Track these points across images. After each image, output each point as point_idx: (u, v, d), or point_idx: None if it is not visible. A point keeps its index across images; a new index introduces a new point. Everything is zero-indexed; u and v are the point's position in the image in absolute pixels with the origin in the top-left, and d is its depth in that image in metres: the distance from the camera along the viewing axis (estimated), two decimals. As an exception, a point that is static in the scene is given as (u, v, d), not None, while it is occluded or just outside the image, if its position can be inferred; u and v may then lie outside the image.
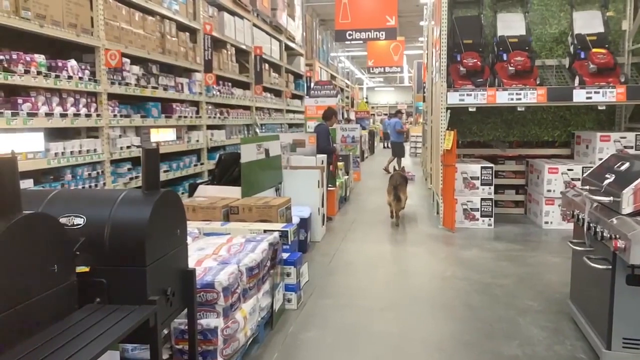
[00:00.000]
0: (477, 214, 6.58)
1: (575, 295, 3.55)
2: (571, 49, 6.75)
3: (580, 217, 3.25)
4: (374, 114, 31.73)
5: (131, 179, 5.38)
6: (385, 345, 3.28)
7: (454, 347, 3.25)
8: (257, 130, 9.46)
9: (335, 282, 4.48)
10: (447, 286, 4.35)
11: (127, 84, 5.35)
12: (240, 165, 4.55)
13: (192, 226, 3.98)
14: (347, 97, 23.06)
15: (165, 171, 6.16)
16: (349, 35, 13.70)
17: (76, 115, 4.55)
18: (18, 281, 1.53)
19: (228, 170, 4.77)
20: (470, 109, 6.51)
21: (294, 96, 13.01)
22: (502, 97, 6.33)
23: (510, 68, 6.44)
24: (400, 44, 20.52)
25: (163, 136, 6.20)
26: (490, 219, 6.57)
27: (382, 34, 13.50)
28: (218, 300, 2.62)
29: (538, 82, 6.42)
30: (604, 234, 2.83)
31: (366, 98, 31.23)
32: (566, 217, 6.34)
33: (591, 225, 3.03)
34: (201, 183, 4.88)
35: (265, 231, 3.87)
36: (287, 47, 12.31)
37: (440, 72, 6.62)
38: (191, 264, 2.89)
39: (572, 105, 6.99)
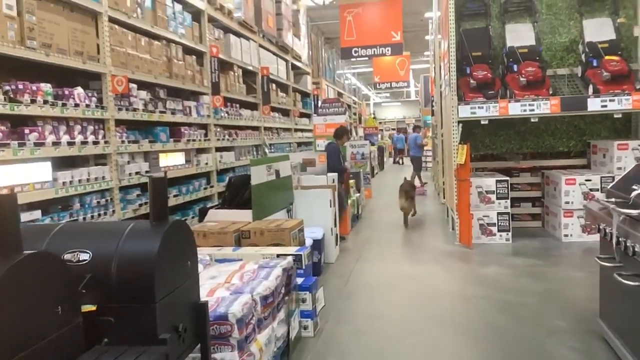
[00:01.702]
0: (494, 229, 6.41)
1: (605, 313, 3.38)
2: (583, 57, 6.63)
3: (607, 231, 3.11)
4: (382, 129, 31.66)
5: (140, 205, 5.30)
6: (408, 372, 3.13)
7: (481, 373, 3.09)
8: (266, 150, 9.40)
9: (352, 306, 4.34)
10: (469, 307, 4.19)
11: (134, 110, 5.30)
12: (251, 188, 4.46)
13: (203, 252, 3.88)
14: (355, 114, 23.03)
15: (175, 196, 6.08)
16: (355, 52, 13.73)
17: (84, 143, 4.50)
18: (20, 326, 1.43)
19: (238, 193, 4.68)
20: (482, 122, 6.40)
21: (302, 115, 12.99)
22: (515, 109, 6.22)
23: (521, 79, 6.34)
24: (406, 59, 20.55)
25: (172, 160, 6.14)
26: (507, 234, 6.40)
27: (387, 50, 13.51)
28: (232, 332, 2.50)
29: (551, 92, 6.30)
30: (636, 249, 2.68)
31: (373, 114, 31.20)
32: (587, 229, 6.16)
33: (620, 240, 2.88)
34: (211, 207, 4.79)
35: (278, 256, 3.75)
36: (294, 67, 12.32)
37: (450, 85, 6.52)
38: (203, 294, 2.77)
39: (586, 115, 6.85)
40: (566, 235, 6.31)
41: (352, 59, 14.44)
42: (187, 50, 6.72)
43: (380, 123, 34.38)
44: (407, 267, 5.57)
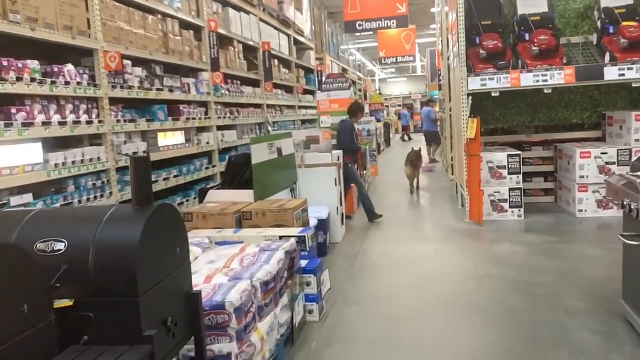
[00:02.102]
0: (506, 205, 6.20)
1: (629, 293, 3.18)
2: (598, 23, 6.31)
3: (632, 207, 2.89)
4: (387, 106, 31.22)
5: (139, 186, 5.11)
6: (418, 359, 2.96)
7: (495, 359, 2.92)
8: (269, 128, 9.16)
9: (359, 287, 4.17)
10: (481, 287, 4.01)
11: (129, 87, 5.08)
12: (251, 167, 4.26)
13: (202, 235, 3.71)
14: (360, 90, 22.65)
15: (175, 176, 5.89)
16: (359, 25, 13.34)
17: (76, 122, 4.30)
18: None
19: (239, 172, 4.48)
20: (492, 94, 6.13)
21: (306, 91, 12.70)
22: (527, 80, 5.94)
23: (533, 48, 6.04)
24: (411, 33, 20.07)
25: (171, 140, 5.94)
26: (520, 210, 6.18)
27: (392, 22, 13.12)
28: (230, 322, 2.32)
29: (565, 62, 6.00)
30: (666, 227, 2.47)
31: (379, 89, 30.73)
32: (603, 204, 5.94)
33: (648, 216, 2.67)
34: (211, 188, 4.60)
35: (280, 237, 3.57)
36: (296, 41, 11.99)
37: (459, 56, 6.24)
38: (199, 280, 2.60)
39: (601, 85, 6.54)
40: (580, 211, 6.09)
41: (357, 33, 14.10)
42: (184, 25, 6.45)
43: (385, 99, 33.92)
44: (415, 246, 5.38)
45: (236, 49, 8.07)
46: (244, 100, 8.20)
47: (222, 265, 2.93)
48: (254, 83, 9.00)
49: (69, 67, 4.31)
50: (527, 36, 6.20)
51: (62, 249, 1.66)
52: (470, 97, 6.11)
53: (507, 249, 4.92)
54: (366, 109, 19.95)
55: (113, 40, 4.88)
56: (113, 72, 4.85)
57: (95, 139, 4.76)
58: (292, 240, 3.35)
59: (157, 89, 5.59)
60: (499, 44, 6.18)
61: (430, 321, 3.45)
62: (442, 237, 5.67)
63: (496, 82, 5.98)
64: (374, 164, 11.11)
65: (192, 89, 6.44)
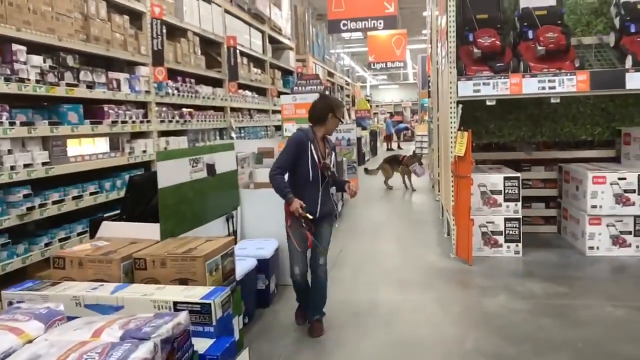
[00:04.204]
0: (501, 239, 5.09)
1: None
2: (616, 21, 5.23)
3: None
4: (377, 113, 30.19)
5: (30, 209, 3.94)
6: None
7: None
8: (233, 135, 8.02)
9: (300, 362, 3.01)
10: (468, 371, 2.87)
11: (20, 80, 3.91)
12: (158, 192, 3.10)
13: (71, 292, 2.56)
14: (348, 96, 21.59)
15: (93, 193, 4.72)
16: (344, 25, 12.29)
17: None
18: None
19: (144, 198, 3.34)
20: (488, 102, 5.01)
21: (283, 94, 11.55)
22: (530, 86, 4.85)
23: (539, 48, 4.97)
24: (402, 37, 19.13)
25: (88, 148, 4.76)
26: (517, 245, 5.07)
27: (380, 23, 12.07)
28: None
29: (577, 65, 4.92)
30: None
31: (369, 96, 29.69)
32: (619, 240, 4.84)
33: None
34: (108, 217, 3.44)
35: (175, 305, 2.42)
36: (273, 40, 10.87)
37: (449, 55, 5.13)
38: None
39: (616, 95, 5.48)
40: (591, 248, 5.00)
41: (342, 34, 13.03)
42: (117, 8, 5.30)
43: (377, 106, 32.96)
44: (387, 295, 4.23)
45: (191, 42, 6.92)
46: (199, 102, 7.04)
47: (43, 369, 1.77)
48: (217, 83, 7.86)
49: None
50: (531, 34, 5.12)
51: None
52: (460, 106, 5.01)
53: (503, 306, 3.79)
54: (352, 116, 18.89)
55: (-5, 18, 3.71)
56: (-8, 60, 3.69)
57: (-37, 147, 3.60)
58: (182, 315, 2.19)
59: (69, 85, 4.42)
60: (497, 42, 5.10)
61: None
62: (420, 280, 4.53)
63: (492, 88, 4.89)
64: (354, 177, 9.97)
65: (123, 86, 5.27)
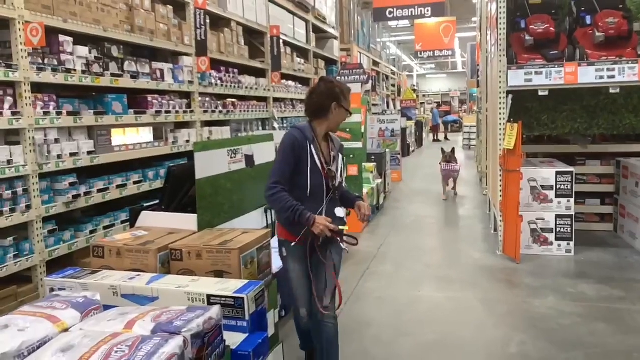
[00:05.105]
0: (551, 236, 4.83)
1: None
2: (686, 5, 4.84)
3: None
4: (423, 103, 29.62)
5: (75, 196, 4.03)
6: None
7: None
8: (275, 125, 7.99)
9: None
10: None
11: (67, 71, 3.99)
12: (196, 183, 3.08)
13: (108, 281, 2.59)
14: (394, 85, 21.24)
15: (136, 182, 4.79)
16: (390, 13, 12.10)
17: (-31, 114, 3.22)
18: None
19: (182, 188, 3.34)
20: (540, 93, 4.75)
21: (327, 84, 11.44)
22: (587, 75, 4.55)
23: (597, 34, 4.65)
24: (451, 25, 18.61)
25: (133, 138, 4.84)
26: (569, 244, 4.81)
27: (427, 10, 11.79)
28: None
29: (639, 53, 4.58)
30: None
31: (416, 85, 29.14)
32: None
33: None
34: (148, 207, 3.47)
35: (209, 298, 2.40)
36: (317, 29, 10.75)
37: (499, 43, 4.88)
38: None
39: (684, 85, 5.07)
40: (651, 249, 4.68)
41: (388, 22, 12.77)
42: (161, -1, 5.35)
43: (424, 96, 32.37)
44: (428, 293, 4.10)
45: (235, 32, 6.91)
46: (242, 92, 7.04)
47: (74, 361, 1.78)
48: (260, 73, 7.83)
49: (-34, 40, 3.25)
50: (589, 19, 4.81)
51: None
52: (510, 96, 4.77)
53: (552, 308, 3.59)
54: (397, 106, 18.54)
55: (43, 9, 3.79)
56: (40, 51, 3.77)
57: (13, 136, 3.70)
58: (214, 309, 2.16)
59: (113, 75, 4.49)
60: (551, 29, 4.81)
61: None
62: (463, 277, 4.37)
63: (545, 77, 4.62)
64: (397, 169, 9.80)
65: (167, 76, 5.32)
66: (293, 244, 2.68)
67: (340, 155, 2.79)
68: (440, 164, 8.08)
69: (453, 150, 8.11)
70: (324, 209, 2.65)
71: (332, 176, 2.67)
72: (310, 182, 2.61)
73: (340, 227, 2.58)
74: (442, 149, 8.28)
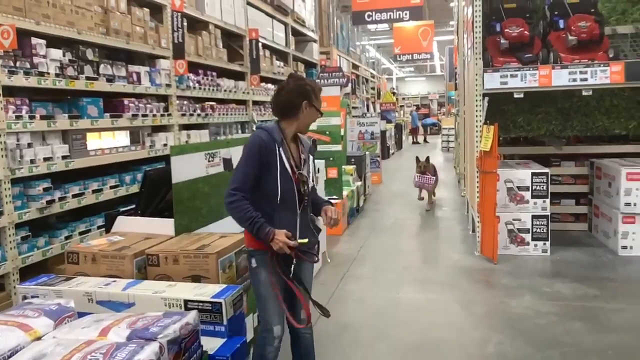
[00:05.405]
0: (528, 237, 4.91)
1: None
2: (655, 9, 4.97)
3: None
4: (403, 106, 29.85)
5: (50, 202, 3.95)
6: None
7: None
8: (255, 128, 7.96)
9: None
10: (490, 376, 2.75)
11: (40, 74, 3.91)
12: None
13: (83, 287, 2.56)
14: (373, 89, 21.36)
15: (113, 187, 4.72)
16: (369, 16, 12.15)
17: (-63, 118, 3.14)
18: None
19: (159, 192, 3.30)
20: (515, 95, 4.83)
21: (306, 88, 11.44)
22: (561, 78, 4.64)
23: (570, 38, 4.75)
24: (429, 28, 18.80)
25: (109, 142, 4.77)
26: (545, 244, 4.89)
27: (405, 14, 11.88)
28: None
29: (611, 56, 4.68)
30: None
31: (395, 89, 29.34)
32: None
33: None
34: (124, 212, 3.42)
35: (186, 303, 2.38)
36: (296, 32, 10.76)
37: (475, 47, 4.95)
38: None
39: (653, 87, 5.21)
40: (624, 247, 4.78)
41: (366, 25, 12.84)
42: (138, 1, 5.29)
43: (403, 99, 32.62)
44: (408, 294, 4.12)
45: (213, 34, 6.88)
46: (221, 95, 7.01)
47: (47, 369, 1.74)
48: (238, 76, 7.80)
49: None
50: (562, 23, 4.91)
51: None
52: (486, 99, 4.83)
53: (529, 307, 3.64)
54: (377, 109, 18.64)
55: (14, 11, 3.71)
56: (11, 53, 3.69)
57: (-16, 141, 3.61)
58: (191, 315, 2.13)
59: (88, 78, 4.42)
60: (526, 32, 4.89)
61: None
62: (442, 278, 4.41)
63: (520, 80, 4.70)
64: (377, 171, 9.85)
65: (144, 79, 5.25)
66: (265, 254, 2.41)
67: (311, 157, 2.59)
68: (415, 175, 7.33)
69: (427, 159, 7.29)
70: (298, 217, 2.44)
71: (303, 180, 2.45)
72: (280, 189, 2.38)
73: (300, 241, 2.37)
74: (417, 158, 7.43)
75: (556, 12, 5.01)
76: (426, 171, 7.19)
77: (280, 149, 2.40)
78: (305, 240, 2.41)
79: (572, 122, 5.69)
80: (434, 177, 7.26)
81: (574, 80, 4.61)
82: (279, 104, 2.50)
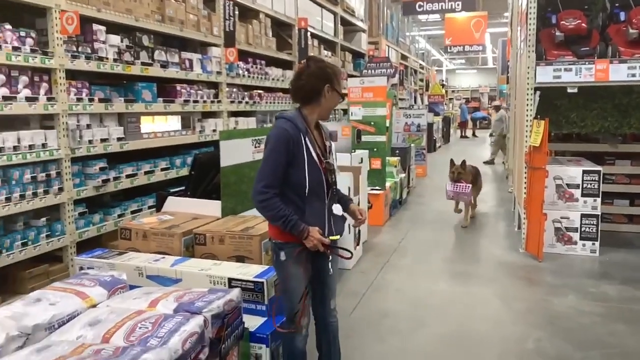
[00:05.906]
0: (575, 236, 4.77)
1: None
2: None
3: None
4: (452, 98, 29.26)
5: (105, 181, 4.16)
6: None
7: None
8: (275, 117, 8.02)
9: (352, 351, 2.98)
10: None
11: (99, 59, 4.11)
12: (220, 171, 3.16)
13: (132, 263, 2.70)
14: (422, 80, 21.05)
15: (164, 169, 4.92)
16: (419, 7, 12.00)
17: (7, 98, 3.36)
18: None
19: (207, 175, 3.42)
20: (569, 90, 4.68)
21: (353, 77, 11.43)
22: (619, 73, 4.47)
23: (631, 31, 4.56)
24: (482, 20, 18.33)
25: (161, 125, 4.96)
26: (593, 244, 4.74)
27: (458, 4, 11.67)
28: None
29: (675, 50, 4.47)
30: None
31: (444, 81, 28.79)
32: None
33: None
34: (174, 193, 3.57)
35: (230, 281, 2.48)
36: (345, 22, 10.74)
37: (528, 38, 4.82)
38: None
39: None
40: (679, 251, 4.58)
41: (417, 15, 12.65)
42: (192, -10, 5.43)
43: (453, 91, 31.97)
44: (447, 286, 4.10)
45: (263, 24, 6.98)
46: (269, 84, 7.11)
47: (102, 335, 1.88)
48: (286, 65, 7.89)
49: (6, 26, 3.39)
50: (622, 15, 4.71)
51: None
52: (537, 93, 4.71)
53: (572, 306, 3.56)
54: (425, 101, 18.36)
55: (78, -1, 3.91)
56: (74, 39, 3.89)
57: (48, 121, 3.84)
58: (234, 292, 2.23)
59: (144, 64, 4.61)
60: (583, 25, 4.73)
61: None
62: (484, 273, 4.36)
63: (575, 74, 4.55)
64: (422, 164, 9.76)
65: (195, 66, 5.42)
66: (295, 247, 2.29)
67: (333, 144, 2.47)
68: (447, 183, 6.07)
69: (463, 164, 5.98)
70: (326, 207, 2.34)
71: (330, 170, 2.35)
72: (309, 180, 2.26)
73: (332, 238, 2.30)
74: (452, 161, 6.10)
75: (617, 4, 4.82)
76: (461, 179, 5.90)
77: (306, 138, 2.27)
78: (338, 237, 2.35)
79: (629, 119, 5.44)
80: (470, 186, 5.91)
81: (634, 75, 4.43)
82: (300, 89, 2.33)
